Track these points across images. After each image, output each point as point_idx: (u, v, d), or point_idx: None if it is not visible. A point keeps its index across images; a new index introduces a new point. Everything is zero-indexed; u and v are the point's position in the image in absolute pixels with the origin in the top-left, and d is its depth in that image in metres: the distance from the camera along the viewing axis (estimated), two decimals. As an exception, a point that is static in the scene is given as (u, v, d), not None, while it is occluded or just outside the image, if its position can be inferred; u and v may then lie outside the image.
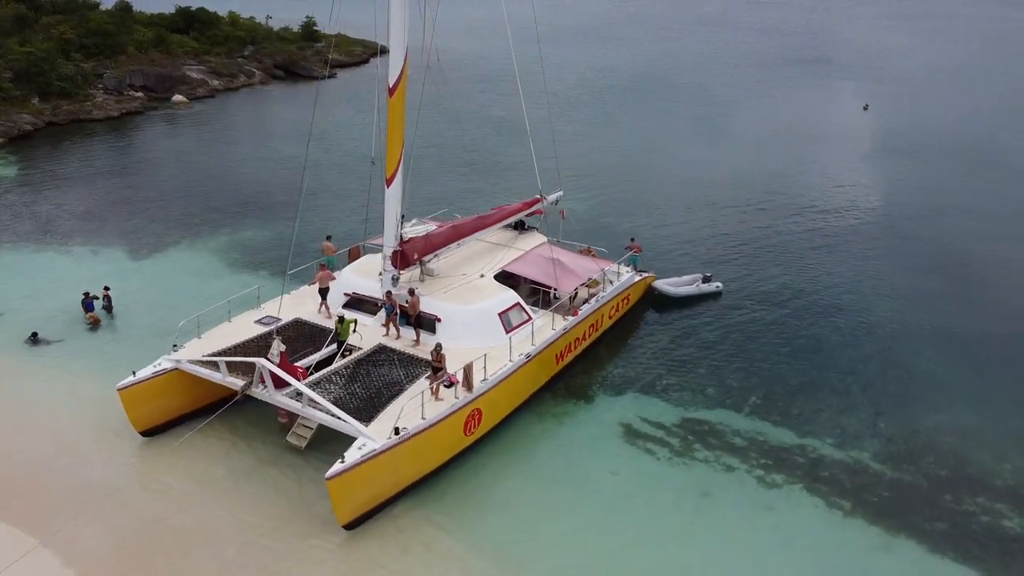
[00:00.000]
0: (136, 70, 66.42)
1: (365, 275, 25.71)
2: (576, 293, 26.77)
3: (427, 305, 24.04)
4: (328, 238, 31.09)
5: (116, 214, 40.44)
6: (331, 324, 24.12)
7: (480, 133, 57.39)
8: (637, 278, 30.23)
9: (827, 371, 27.46)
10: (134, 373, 21.79)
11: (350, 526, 18.93)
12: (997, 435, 24.30)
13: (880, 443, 23.74)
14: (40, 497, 20.15)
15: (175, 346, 22.89)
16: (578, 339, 26.37)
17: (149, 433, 22.14)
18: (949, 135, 62.52)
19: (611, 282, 28.32)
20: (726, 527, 20.16)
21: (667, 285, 31.79)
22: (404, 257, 24.35)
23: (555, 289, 26.07)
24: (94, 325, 28.57)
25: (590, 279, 27.49)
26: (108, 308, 29.17)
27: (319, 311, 25.42)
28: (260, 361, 20.39)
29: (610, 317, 28.54)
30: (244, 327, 24.11)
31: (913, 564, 19.22)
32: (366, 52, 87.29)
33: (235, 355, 22.21)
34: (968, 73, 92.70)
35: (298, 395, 20.28)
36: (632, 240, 32.60)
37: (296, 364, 21.81)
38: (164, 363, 22.21)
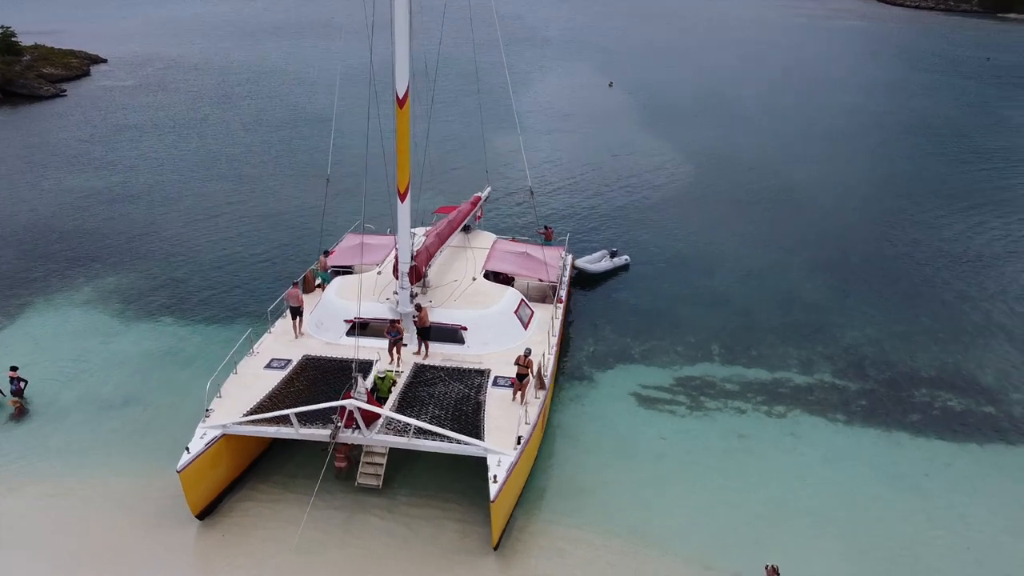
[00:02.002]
0: None
1: (363, 299, 24.43)
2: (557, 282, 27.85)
3: (445, 316, 23.74)
4: (325, 253, 28.90)
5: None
6: (335, 353, 22.91)
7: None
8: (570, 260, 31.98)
9: (750, 314, 31.69)
10: (188, 450, 19.00)
11: (499, 546, 18.69)
12: (898, 337, 30.12)
13: (828, 364, 28.26)
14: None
15: (207, 411, 20.23)
16: (564, 324, 27.56)
17: (204, 514, 19.47)
18: (691, 98, 71.98)
19: (563, 267, 29.78)
20: (775, 456, 23.10)
21: (586, 263, 33.89)
22: (416, 271, 23.69)
23: (549, 281, 26.96)
24: (19, 413, 23.70)
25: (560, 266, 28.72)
26: (19, 392, 24.25)
27: (293, 330, 24.59)
28: (351, 402, 18.99)
29: (569, 299, 30.06)
30: (260, 377, 21.90)
31: (901, 447, 23.63)
32: (84, 62, 77.26)
33: (282, 404, 20.31)
34: (690, 50, 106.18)
35: (403, 429, 19.29)
36: (546, 227, 34.15)
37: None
38: (209, 432, 19.58)
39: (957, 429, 24.64)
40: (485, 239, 29.67)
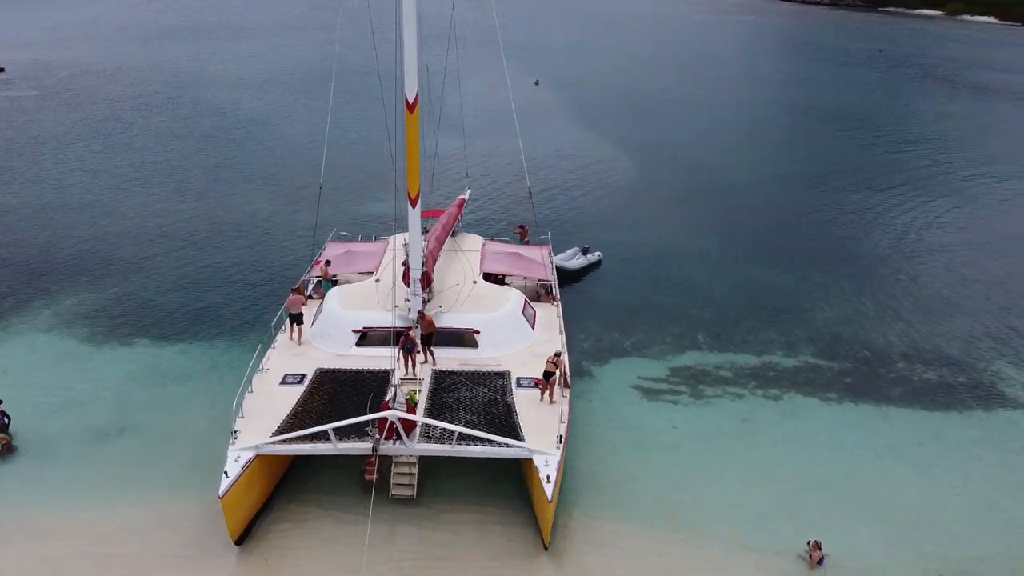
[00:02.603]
0: None
1: (368, 308, 24.09)
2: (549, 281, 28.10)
3: (457, 320, 23.67)
4: (327, 263, 28.04)
5: None
6: (348, 364, 22.53)
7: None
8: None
9: (724, 302, 32.92)
10: (226, 474, 18.26)
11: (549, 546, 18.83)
12: (864, 315, 31.96)
13: (808, 345, 29.69)
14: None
15: (235, 433, 19.50)
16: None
17: (241, 540, 18.79)
18: (612, 94, 73.55)
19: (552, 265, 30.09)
20: (781, 437, 24.13)
21: (561, 261, 34.30)
22: (427, 277, 23.48)
23: (546, 280, 27.16)
24: (6, 450, 22.16)
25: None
26: (4, 427, 22.66)
27: (290, 337, 24.27)
28: (393, 413, 18.70)
29: (558, 297, 30.39)
30: (277, 393, 21.27)
31: (892, 420, 25.10)
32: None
33: (310, 420, 19.83)
34: (599, 47, 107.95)
35: (444, 437, 19.13)
36: (521, 226, 34.34)
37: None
38: (243, 455, 18.88)
39: (938, 399, 26.32)
40: (473, 241, 29.62)
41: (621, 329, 30.21)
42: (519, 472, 21.16)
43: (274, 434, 19.42)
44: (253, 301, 31.47)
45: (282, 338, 24.28)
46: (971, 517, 20.71)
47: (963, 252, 39.43)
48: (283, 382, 21.86)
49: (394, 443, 19.07)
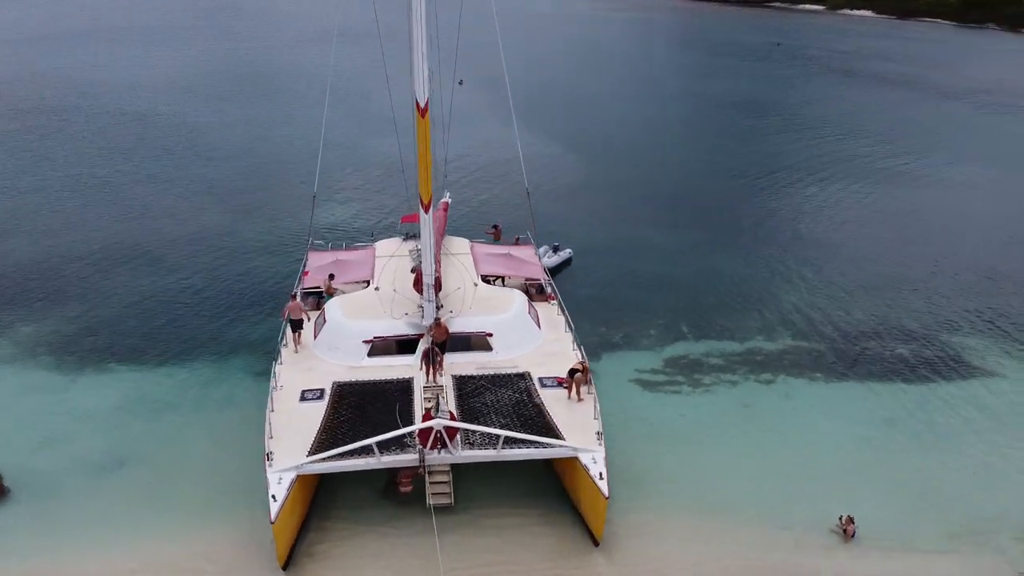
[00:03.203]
0: None
1: (375, 317, 23.64)
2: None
3: (468, 324, 23.53)
4: (331, 276, 27.01)
5: None
6: (364, 376, 22.09)
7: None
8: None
9: (697, 292, 33.95)
10: (274, 498, 17.58)
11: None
12: (828, 297, 33.61)
13: (784, 328, 31.04)
14: None
15: (269, 455, 18.78)
16: None
17: (287, 564, 18.15)
18: (540, 92, 74.16)
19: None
20: (782, 418, 25.15)
21: (537, 260, 34.50)
22: (438, 282, 23.24)
23: (543, 279, 27.28)
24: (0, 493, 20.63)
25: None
26: (-9, 473, 21.05)
27: (295, 347, 23.82)
28: (439, 422, 18.46)
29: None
30: (298, 411, 20.62)
31: (879, 395, 26.55)
32: None
33: (342, 434, 19.37)
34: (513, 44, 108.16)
35: (488, 442, 19.04)
36: (495, 226, 34.33)
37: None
38: (284, 476, 18.21)
39: (915, 371, 28.07)
40: (460, 244, 29.44)
41: (607, 325, 30.65)
42: (545, 473, 21.26)
43: (311, 452, 18.83)
44: (236, 318, 30.35)
45: (287, 353, 23.49)
46: (971, 479, 22.21)
47: (898, 231, 41.95)
48: (303, 399, 21.20)
49: (439, 452, 18.83)
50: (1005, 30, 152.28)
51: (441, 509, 19.90)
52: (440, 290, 23.75)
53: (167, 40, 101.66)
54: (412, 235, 30.44)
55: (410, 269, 24.18)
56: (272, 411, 20.62)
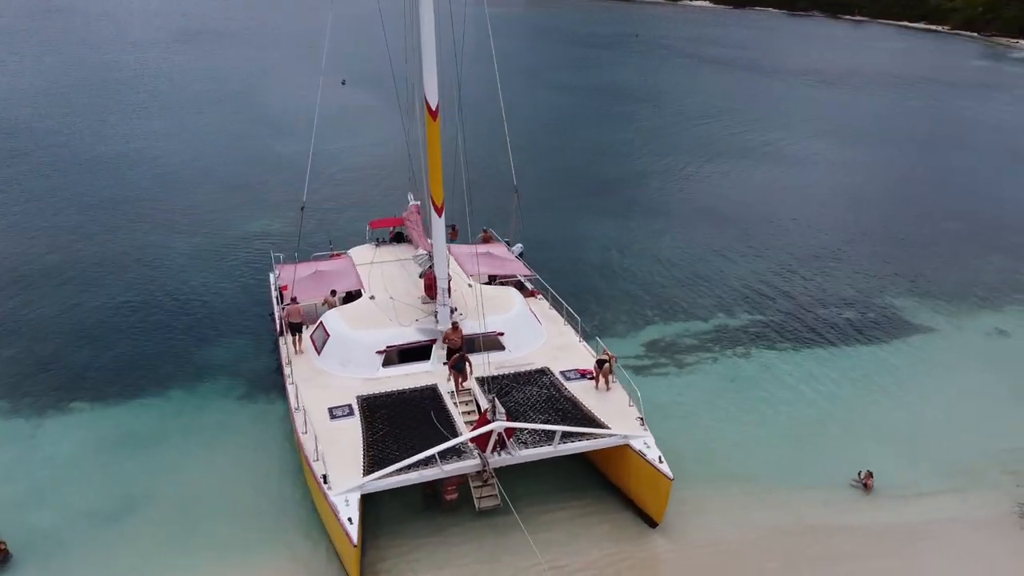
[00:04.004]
0: None
1: (382, 326, 23.09)
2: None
3: (479, 325, 23.36)
4: (333, 293, 25.69)
5: None
6: (384, 387, 21.63)
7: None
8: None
9: (652, 278, 35.24)
10: (351, 520, 16.92)
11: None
12: (773, 272, 35.87)
13: (743, 304, 32.92)
14: None
15: (325, 477, 18.04)
16: None
17: (354, 590, 17.59)
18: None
19: None
20: (769, 387, 26.73)
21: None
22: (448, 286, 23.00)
23: (526, 276, 27.49)
24: (2, 557, 18.56)
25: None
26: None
27: (293, 347, 23.44)
28: (499, 424, 18.37)
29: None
30: (333, 429, 19.85)
31: (848, 356, 28.86)
32: None
33: (391, 448, 18.97)
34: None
35: (540, 439, 19.19)
36: (452, 226, 34.04)
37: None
38: (350, 497, 17.58)
39: (865, 331, 30.71)
40: (436, 247, 29.04)
41: (579, 314, 31.28)
42: (580, 464, 21.64)
43: (367, 470, 18.27)
44: (200, 339, 28.61)
45: (297, 371, 22.42)
46: (949, 424, 24.55)
47: (798, 205, 45.34)
48: (332, 417, 20.42)
49: (498, 454, 18.77)
50: (827, 17, 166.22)
51: (490, 511, 19.90)
52: (450, 294, 23.48)
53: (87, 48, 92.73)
54: (384, 240, 29.86)
55: (418, 275, 23.73)
56: (304, 433, 19.77)
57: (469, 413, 20.86)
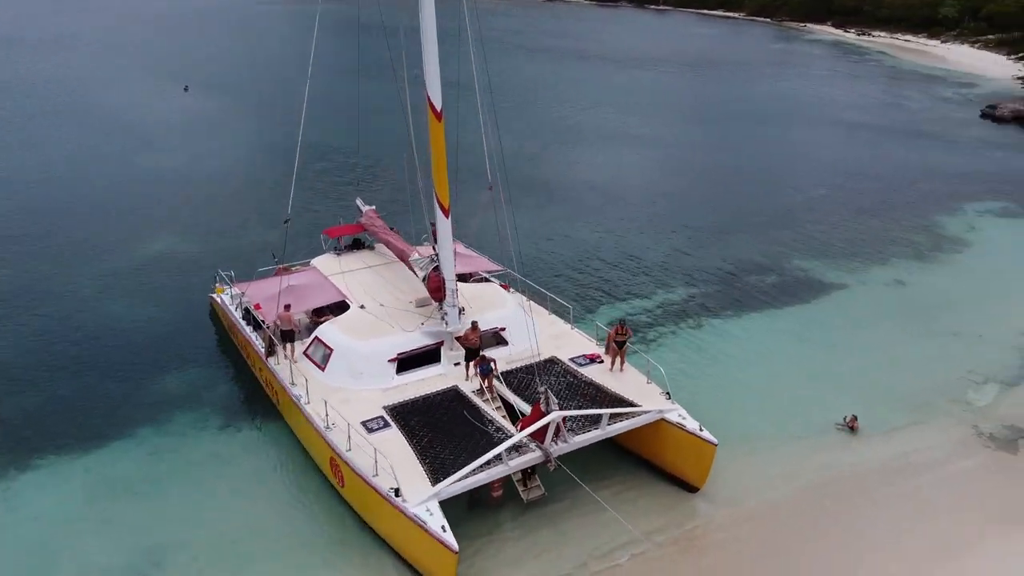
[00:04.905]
0: None
1: (386, 334, 22.67)
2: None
3: (484, 322, 23.45)
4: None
5: None
6: (406, 395, 21.45)
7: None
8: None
9: (607, 262, 36.32)
10: (444, 528, 16.74)
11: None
12: (699, 246, 38.33)
13: (703, 277, 34.95)
14: None
15: (397, 491, 17.67)
16: None
17: (447, 595, 17.45)
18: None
19: None
20: (752, 348, 28.74)
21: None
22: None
23: (500, 271, 27.82)
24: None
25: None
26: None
27: (286, 355, 22.94)
28: (556, 415, 18.80)
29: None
30: (377, 443, 19.30)
31: (805, 313, 31.85)
32: None
33: (446, 453, 19.00)
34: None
35: (590, 423, 19.88)
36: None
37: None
38: (431, 506, 17.37)
39: (810, 288, 34.03)
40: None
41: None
42: (602, 445, 22.44)
43: (435, 477, 18.12)
44: (161, 370, 26.65)
45: (313, 393, 21.45)
46: (895, 365, 27.57)
47: (707, 180, 48.69)
48: (370, 431, 19.90)
49: (556, 443, 19.21)
50: (635, 6, 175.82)
51: (539, 502, 20.32)
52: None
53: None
54: (346, 247, 29.00)
55: (421, 278, 23.39)
56: (348, 451, 19.19)
57: (497, 409, 21.09)
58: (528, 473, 20.30)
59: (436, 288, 22.68)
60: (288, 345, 23.01)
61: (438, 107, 20.89)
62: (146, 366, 26.94)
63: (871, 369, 27.43)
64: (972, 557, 19.15)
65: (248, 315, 25.61)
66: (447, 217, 22.02)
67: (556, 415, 18.83)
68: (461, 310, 23.00)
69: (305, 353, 23.09)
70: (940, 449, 23.24)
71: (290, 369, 22.25)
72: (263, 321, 24.34)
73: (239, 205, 42.38)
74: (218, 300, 28.39)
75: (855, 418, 23.85)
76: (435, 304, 23.64)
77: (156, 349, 27.88)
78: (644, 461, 21.87)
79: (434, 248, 23.36)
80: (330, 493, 20.79)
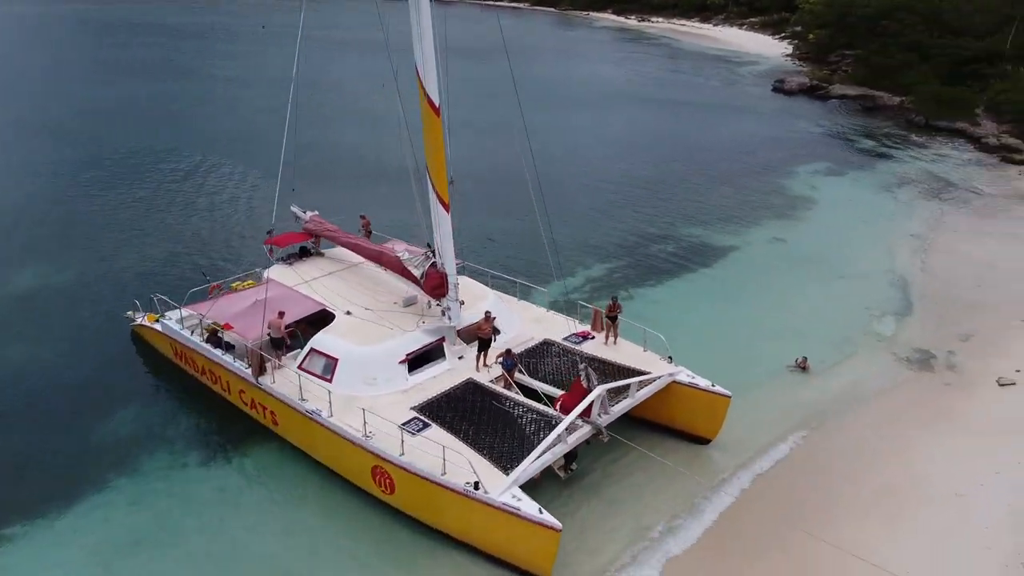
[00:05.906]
0: None
1: (388, 336, 22.33)
2: None
3: (475, 313, 23.73)
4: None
5: None
6: (426, 395, 21.38)
7: None
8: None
9: (518, 240, 36.39)
10: (541, 511, 17.12)
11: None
12: (623, 222, 40.11)
13: (622, 251, 36.80)
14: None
15: (477, 484, 17.74)
16: None
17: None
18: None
19: None
20: (679, 310, 31.07)
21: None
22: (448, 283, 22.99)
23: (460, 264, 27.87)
24: None
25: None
26: None
27: (277, 361, 22.34)
28: (600, 389, 19.72)
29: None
30: (425, 442, 19.17)
31: (730, 278, 34.67)
32: None
33: (498, 439, 19.41)
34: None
35: (619, 393, 21.07)
36: (363, 216, 31.80)
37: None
38: (514, 491, 17.65)
39: (724, 252, 37.10)
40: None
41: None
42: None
43: (503, 466, 18.39)
44: (109, 411, 24.03)
45: (337, 406, 20.53)
46: (812, 310, 31.24)
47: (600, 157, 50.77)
48: (414, 434, 19.61)
49: (600, 416, 20.10)
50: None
51: (575, 475, 21.16)
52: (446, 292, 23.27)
53: None
54: (292, 255, 27.68)
55: (419, 276, 22.95)
56: (402, 455, 18.91)
57: (516, 394, 21.60)
58: (569, 453, 20.97)
59: (437, 285, 22.57)
60: (278, 352, 22.03)
61: (436, 102, 20.83)
62: (86, 411, 24.08)
63: (789, 317, 30.76)
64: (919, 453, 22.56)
65: (214, 337, 23.92)
66: (447, 212, 22.00)
67: (600, 389, 19.74)
68: (461, 303, 23.11)
69: (301, 367, 22.11)
70: (882, 377, 26.81)
71: (299, 384, 21.23)
72: (240, 340, 22.87)
73: (130, 228, 38.46)
74: (154, 327, 26.14)
75: (805, 359, 26.84)
76: (424, 302, 23.58)
77: (88, 391, 25.03)
78: (649, 423, 23.17)
79: (428, 246, 23.21)
80: (367, 505, 20.24)
